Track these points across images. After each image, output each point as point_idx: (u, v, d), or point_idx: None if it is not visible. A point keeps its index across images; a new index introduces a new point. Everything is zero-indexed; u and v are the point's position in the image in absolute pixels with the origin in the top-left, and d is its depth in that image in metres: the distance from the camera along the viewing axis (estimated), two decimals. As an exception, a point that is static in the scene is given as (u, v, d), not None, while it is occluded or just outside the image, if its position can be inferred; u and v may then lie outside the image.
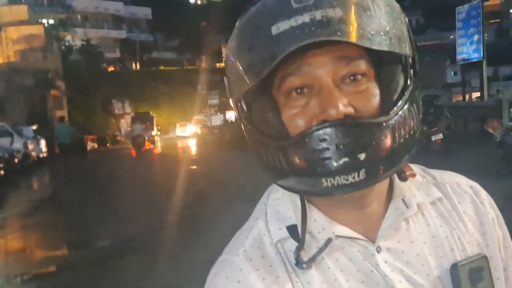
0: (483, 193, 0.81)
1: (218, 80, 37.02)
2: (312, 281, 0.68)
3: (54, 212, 10.24)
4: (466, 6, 18.27)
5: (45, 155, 20.62)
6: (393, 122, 0.64)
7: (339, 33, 0.59)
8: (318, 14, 0.60)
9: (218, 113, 35.20)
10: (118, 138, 38.66)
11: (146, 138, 27.57)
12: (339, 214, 0.72)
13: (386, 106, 0.66)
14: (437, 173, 0.82)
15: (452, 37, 31.75)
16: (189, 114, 46.07)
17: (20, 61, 28.32)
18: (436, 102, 13.46)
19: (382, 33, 0.62)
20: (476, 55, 17.04)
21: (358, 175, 0.62)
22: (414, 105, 0.68)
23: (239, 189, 9.76)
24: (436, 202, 0.77)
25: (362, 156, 0.62)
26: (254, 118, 0.71)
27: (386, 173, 0.65)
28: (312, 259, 0.68)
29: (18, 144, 17.37)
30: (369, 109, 0.65)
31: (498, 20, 58.58)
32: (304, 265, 0.68)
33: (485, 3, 20.02)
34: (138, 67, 58.80)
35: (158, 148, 29.61)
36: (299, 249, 0.68)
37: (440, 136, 12.40)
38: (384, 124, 0.63)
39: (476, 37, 16.93)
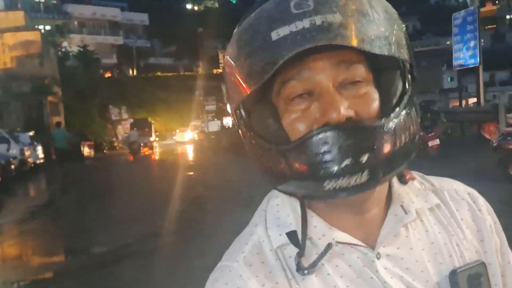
0: (481, 200, 0.82)
1: (215, 86, 37.11)
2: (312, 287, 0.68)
3: (51, 218, 10.21)
4: (462, 12, 18.36)
5: (42, 161, 20.52)
6: (394, 125, 0.65)
7: (339, 38, 0.60)
8: (318, 20, 0.61)
9: (215, 119, 35.23)
10: (115, 144, 38.60)
11: (142, 144, 27.74)
12: (339, 220, 0.72)
13: (385, 110, 0.67)
14: (435, 180, 0.82)
15: (448, 42, 31.89)
16: (186, 120, 46.05)
17: (17, 67, 28.29)
18: (433, 107, 13.52)
19: (382, 38, 0.63)
20: (472, 60, 17.10)
21: (360, 178, 0.62)
22: (413, 109, 0.69)
23: (236, 194, 9.76)
24: (434, 208, 0.78)
25: (364, 159, 0.62)
26: (253, 124, 0.71)
27: (387, 175, 0.65)
28: (313, 265, 0.68)
29: (14, 151, 17.31)
30: (370, 113, 0.66)
31: (495, 25, 58.88)
32: (306, 271, 0.67)
33: (482, 9, 20.11)
34: (135, 73, 58.84)
35: (156, 153, 29.63)
36: (300, 255, 0.68)
37: (437, 141, 12.43)
38: (385, 127, 0.64)
39: (472, 43, 17.00)
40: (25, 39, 29.24)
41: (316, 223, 0.72)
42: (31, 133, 20.80)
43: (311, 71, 0.65)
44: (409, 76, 0.71)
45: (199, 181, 13.79)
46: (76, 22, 55.74)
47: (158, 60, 62.68)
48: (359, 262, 0.70)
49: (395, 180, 0.76)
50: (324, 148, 0.62)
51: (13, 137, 18.13)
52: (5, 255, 7.42)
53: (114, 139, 39.57)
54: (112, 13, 58.68)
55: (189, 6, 73.67)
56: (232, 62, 0.68)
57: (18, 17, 31.63)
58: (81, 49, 43.88)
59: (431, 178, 0.83)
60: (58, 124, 20.92)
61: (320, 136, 0.63)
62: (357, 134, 0.63)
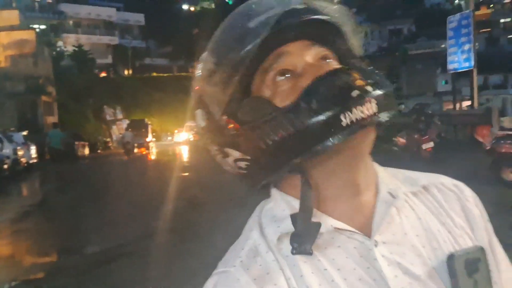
0: (468, 191, 0.84)
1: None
2: (311, 285, 0.68)
3: (44, 217, 10.18)
4: (457, 15, 18.43)
5: (35, 161, 20.41)
6: (378, 74, 0.73)
7: (309, 15, 0.72)
8: (288, 7, 0.72)
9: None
10: (110, 144, 38.46)
11: (137, 144, 28.17)
12: (333, 209, 0.73)
13: None
14: (422, 175, 0.84)
15: (443, 45, 32.00)
16: (181, 120, 45.92)
17: (11, 67, 28.15)
18: (427, 110, 13.57)
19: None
20: (466, 64, 17.16)
21: (371, 107, 0.66)
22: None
23: (231, 195, 9.75)
24: (423, 195, 0.80)
25: (369, 88, 0.67)
26: (245, 119, 0.72)
27: (389, 110, 0.70)
28: (308, 246, 0.68)
29: (7, 150, 17.22)
30: None
31: (489, 29, 59.13)
32: (296, 251, 0.68)
33: (476, 13, 20.16)
34: (130, 73, 58.68)
35: (153, 154, 29.78)
36: (295, 234, 0.68)
37: (431, 144, 12.48)
38: (369, 69, 0.73)
39: (467, 46, 17.06)
40: (20, 39, 29.13)
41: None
42: (24, 133, 20.70)
43: (291, 54, 0.72)
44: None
45: (193, 182, 13.77)
46: (71, 22, 55.52)
47: (154, 60, 62.52)
48: (356, 252, 0.70)
49: (380, 169, 0.79)
50: (332, 86, 0.67)
51: (6, 137, 18.03)
52: (-2, 255, 7.39)
53: (108, 139, 39.43)
54: (108, 13, 58.50)
55: (185, 7, 73.56)
56: (216, 59, 0.72)
57: (12, 16, 31.53)
58: (76, 49, 43.71)
59: (418, 173, 0.84)
60: (55, 125, 20.83)
61: (325, 78, 0.68)
62: (355, 73, 0.69)
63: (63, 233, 8.38)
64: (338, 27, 0.76)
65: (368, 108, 0.66)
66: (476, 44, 17.37)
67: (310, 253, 0.68)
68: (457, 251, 0.73)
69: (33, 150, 20.27)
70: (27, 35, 29.93)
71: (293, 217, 0.70)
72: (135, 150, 28.66)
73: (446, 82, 41.39)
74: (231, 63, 0.69)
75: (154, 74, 55.54)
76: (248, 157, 0.72)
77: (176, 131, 45.53)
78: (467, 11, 17.86)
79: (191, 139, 37.04)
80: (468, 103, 19.95)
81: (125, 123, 39.52)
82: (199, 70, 0.77)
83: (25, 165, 18.77)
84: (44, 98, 28.74)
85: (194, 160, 22.65)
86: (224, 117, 0.73)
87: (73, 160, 22.47)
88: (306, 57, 0.73)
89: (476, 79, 17.61)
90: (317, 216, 0.71)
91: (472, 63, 16.77)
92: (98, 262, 6.29)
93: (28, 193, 15.43)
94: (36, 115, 27.82)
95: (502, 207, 7.35)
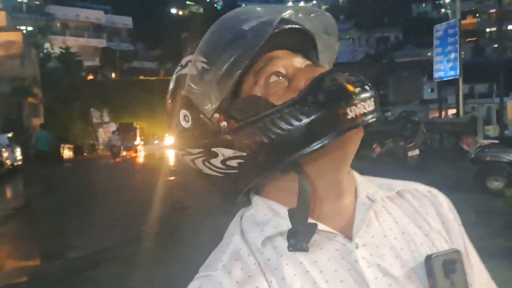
0: (441, 196, 0.86)
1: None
2: (292, 287, 0.69)
3: (27, 221, 10.05)
4: (444, 24, 18.66)
5: (20, 163, 20.20)
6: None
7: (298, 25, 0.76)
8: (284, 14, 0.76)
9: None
10: (96, 147, 38.21)
11: (123, 148, 28.72)
12: (317, 209, 0.74)
13: None
14: (397, 182, 0.86)
15: (429, 54, 32.30)
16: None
17: (-3, 68, 27.87)
18: (413, 118, 13.66)
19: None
20: (452, 72, 17.36)
21: (371, 104, 0.69)
22: None
23: (215, 199, 9.71)
24: (399, 198, 0.82)
25: (367, 87, 0.70)
26: (243, 115, 0.72)
27: (379, 109, 0.72)
28: (305, 244, 0.69)
29: (-8, 152, 17.04)
30: None
31: (475, 38, 59.87)
32: (291, 248, 0.69)
33: (462, 22, 20.39)
34: (118, 76, 58.42)
35: (140, 156, 29.88)
36: (292, 231, 0.69)
37: (417, 151, 12.57)
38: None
39: (453, 55, 17.26)
40: (6, 40, 28.83)
41: None
42: (9, 135, 20.48)
43: (281, 58, 0.75)
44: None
45: (179, 186, 13.70)
46: (58, 24, 55.23)
47: (142, 63, 62.32)
48: (337, 254, 0.72)
49: (356, 174, 0.81)
50: (336, 81, 0.69)
51: (-10, 139, 17.85)
52: (-21, 259, 7.28)
53: (95, 142, 39.17)
54: (96, 15, 58.29)
55: (174, 11, 73.53)
56: (208, 58, 0.72)
57: (-1, 17, 31.24)
58: (63, 51, 43.37)
59: (393, 180, 0.86)
60: (43, 126, 20.61)
61: (329, 75, 0.70)
62: (352, 72, 0.71)
63: (45, 237, 8.27)
64: (315, 41, 0.81)
65: (369, 105, 0.69)
66: (462, 53, 17.59)
67: (306, 250, 0.69)
68: (435, 252, 0.74)
69: (18, 152, 20.05)
70: (14, 36, 29.63)
71: (290, 213, 0.70)
72: (124, 153, 28.77)
73: (432, 90, 41.80)
74: (225, 62, 0.70)
75: (142, 77, 55.33)
76: (244, 154, 0.72)
77: (166, 134, 45.50)
78: (454, 20, 18.10)
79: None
80: (454, 111, 20.16)
81: (112, 126, 39.37)
82: (184, 69, 0.77)
83: (10, 167, 18.56)
84: (30, 99, 28.46)
85: (181, 164, 22.61)
86: (217, 115, 0.73)
87: (58, 163, 22.27)
88: (295, 62, 0.76)
89: (462, 88, 17.83)
90: None
91: (458, 71, 16.97)
92: (80, 268, 6.22)
93: (11, 196, 15.25)
94: (21, 116, 27.53)
95: (486, 215, 7.41)
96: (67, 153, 27.34)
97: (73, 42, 51.47)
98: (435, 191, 0.87)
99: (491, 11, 61.15)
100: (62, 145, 25.88)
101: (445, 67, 17.75)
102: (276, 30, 0.72)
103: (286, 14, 0.77)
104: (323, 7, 70.08)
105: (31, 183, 17.12)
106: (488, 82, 42.71)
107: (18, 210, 11.39)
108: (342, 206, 0.75)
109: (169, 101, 0.81)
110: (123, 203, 11.04)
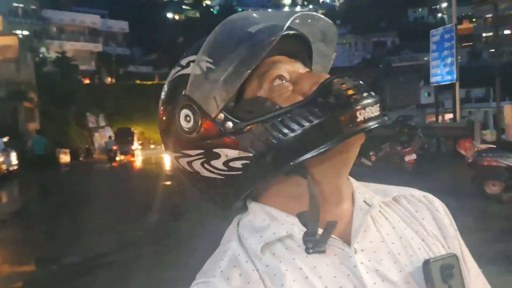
0: (437, 201, 0.86)
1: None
2: None
3: (23, 226, 10.01)
4: (440, 29, 18.71)
5: (15, 168, 20.14)
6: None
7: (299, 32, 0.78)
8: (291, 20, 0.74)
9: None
10: (92, 152, 38.15)
11: (120, 152, 29.18)
12: None
13: None
14: (392, 188, 0.86)
15: (426, 58, 32.41)
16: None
17: (-8, 72, 27.81)
18: (410, 122, 13.64)
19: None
20: (449, 77, 17.39)
21: (377, 109, 0.70)
22: None
23: (214, 205, 9.69)
24: (395, 204, 0.83)
25: (373, 93, 0.71)
26: (250, 116, 0.71)
27: (382, 115, 0.73)
28: (322, 242, 0.70)
29: (-13, 157, 16.99)
30: None
31: (471, 43, 60.11)
32: (311, 250, 0.70)
33: (459, 27, 20.47)
34: (114, 80, 58.42)
35: (138, 161, 30.08)
36: (308, 234, 0.70)
37: (414, 156, 12.56)
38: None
39: (449, 60, 17.29)
40: (2, 44, 28.78)
41: (293, 221, 0.73)
42: (5, 139, 20.42)
43: (284, 62, 0.75)
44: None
45: (176, 191, 13.67)
46: (54, 28, 55.23)
47: (138, 68, 62.39)
48: (336, 260, 0.71)
49: (353, 180, 0.81)
50: (345, 86, 0.69)
51: (-14, 143, 17.79)
52: (-26, 264, 7.23)
53: (91, 146, 39.10)
54: (92, 20, 58.34)
55: (170, 15, 73.66)
56: (213, 57, 0.71)
57: (-5, 21, 31.23)
58: (59, 55, 43.37)
59: (388, 185, 0.87)
60: (39, 131, 20.58)
61: (337, 79, 0.70)
62: (356, 78, 0.72)
63: (41, 242, 8.22)
64: (311, 49, 0.82)
65: (376, 110, 0.70)
66: (459, 57, 17.62)
67: (324, 252, 0.70)
68: (432, 257, 0.74)
69: (13, 156, 20.00)
70: (10, 40, 29.61)
71: (300, 216, 0.71)
72: (121, 158, 28.83)
73: (429, 95, 41.94)
74: (233, 62, 0.70)
75: (138, 81, 55.36)
76: (250, 155, 0.71)
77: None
78: (450, 25, 18.14)
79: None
80: (451, 115, 20.22)
81: (107, 130, 39.37)
82: (184, 70, 0.76)
83: (5, 172, 18.50)
84: (25, 104, 28.39)
85: (175, 169, 22.59)
86: (221, 115, 0.72)
87: (54, 167, 22.21)
88: (296, 68, 0.76)
89: (459, 92, 17.86)
90: (299, 225, 0.73)
91: (455, 76, 16.99)
92: (76, 273, 6.18)
93: (7, 201, 15.18)
94: (17, 121, 27.44)
95: (484, 219, 7.41)
96: (63, 157, 27.27)
97: (69, 47, 51.49)
98: (430, 196, 0.87)
99: (487, 16, 61.42)
100: (58, 150, 25.83)
101: (442, 71, 17.78)
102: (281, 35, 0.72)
103: (297, 19, 0.75)
104: (320, 11, 70.34)
105: (26, 187, 17.05)
106: (485, 86, 42.86)
107: (13, 215, 11.33)
108: (341, 211, 0.75)
109: (167, 102, 0.79)
110: (119, 208, 11.01)
